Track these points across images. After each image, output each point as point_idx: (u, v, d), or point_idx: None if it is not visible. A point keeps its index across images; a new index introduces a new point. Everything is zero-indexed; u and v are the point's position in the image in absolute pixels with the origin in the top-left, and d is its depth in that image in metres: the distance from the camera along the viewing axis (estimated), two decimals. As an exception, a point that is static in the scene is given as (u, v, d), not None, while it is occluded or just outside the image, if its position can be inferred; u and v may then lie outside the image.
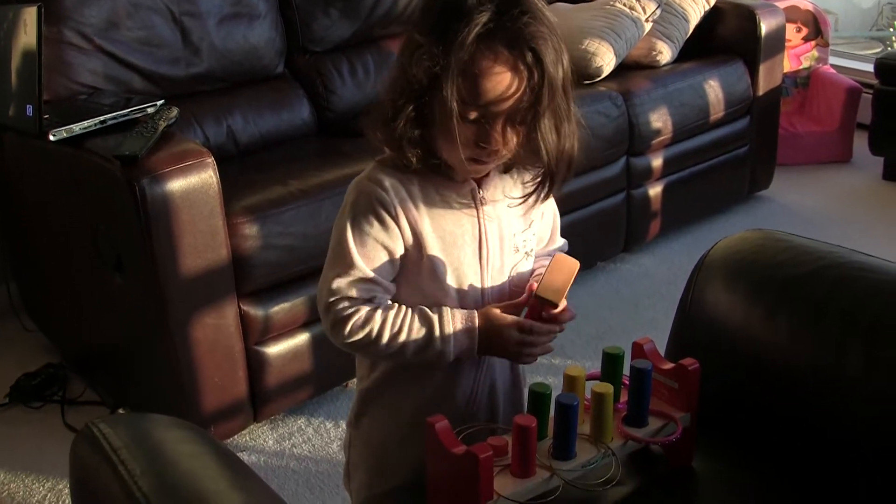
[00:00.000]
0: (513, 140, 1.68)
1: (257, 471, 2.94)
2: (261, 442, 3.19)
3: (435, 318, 1.76)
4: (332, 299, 1.76)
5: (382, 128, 1.71)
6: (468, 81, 1.60)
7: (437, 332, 1.75)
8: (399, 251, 1.76)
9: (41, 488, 3.01)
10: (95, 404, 3.40)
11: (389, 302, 1.79)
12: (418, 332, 1.75)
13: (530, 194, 1.79)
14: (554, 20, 1.67)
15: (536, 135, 1.67)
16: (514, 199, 1.82)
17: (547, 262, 1.81)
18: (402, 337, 1.75)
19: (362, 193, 1.75)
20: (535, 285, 1.78)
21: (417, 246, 1.76)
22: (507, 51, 1.60)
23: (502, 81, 1.61)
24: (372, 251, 1.74)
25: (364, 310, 1.75)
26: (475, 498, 1.53)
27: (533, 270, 1.91)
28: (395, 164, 1.75)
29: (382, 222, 1.73)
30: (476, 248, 1.80)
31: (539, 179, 1.78)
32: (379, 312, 1.75)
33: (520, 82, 1.62)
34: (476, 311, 1.79)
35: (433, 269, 1.77)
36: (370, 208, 1.74)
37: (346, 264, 1.74)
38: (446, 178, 1.77)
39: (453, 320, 1.77)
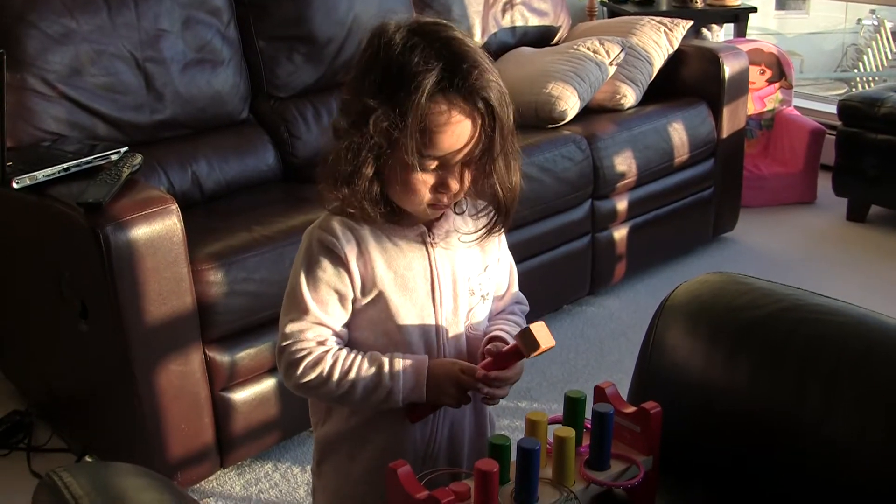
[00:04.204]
0: (468, 179, 1.75)
1: (223, 518, 2.94)
2: (228, 488, 3.18)
3: (385, 358, 1.79)
4: (285, 343, 1.80)
5: (342, 188, 1.73)
6: (427, 136, 1.66)
7: (385, 370, 1.78)
8: (350, 296, 1.79)
9: (5, 538, 3.00)
10: (61, 451, 3.38)
11: (340, 346, 1.82)
12: (367, 370, 1.78)
13: (483, 230, 1.85)
14: (492, 64, 1.73)
15: (492, 175, 1.74)
16: (468, 235, 1.86)
17: (508, 325, 1.92)
18: (352, 375, 1.77)
19: (314, 241, 1.79)
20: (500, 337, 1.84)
21: (371, 290, 1.80)
22: (462, 103, 1.66)
23: (459, 132, 1.68)
24: (325, 296, 1.78)
25: (316, 351, 1.78)
26: (437, 543, 1.53)
27: (494, 336, 1.91)
28: (346, 214, 1.78)
29: (334, 268, 1.77)
30: (429, 289, 1.83)
31: (493, 215, 1.84)
32: (330, 353, 1.78)
33: (474, 129, 1.69)
34: (427, 356, 1.82)
35: (389, 311, 1.81)
36: (322, 255, 1.78)
37: (301, 310, 1.78)
38: (396, 223, 1.81)
39: (403, 359, 1.79)
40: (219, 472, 3.22)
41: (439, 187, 1.73)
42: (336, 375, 1.77)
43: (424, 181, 1.71)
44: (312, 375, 1.77)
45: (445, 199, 1.75)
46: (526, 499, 1.66)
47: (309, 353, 1.78)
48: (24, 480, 3.23)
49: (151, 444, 2.90)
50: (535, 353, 1.73)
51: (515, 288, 2.04)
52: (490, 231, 1.85)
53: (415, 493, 1.55)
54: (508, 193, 1.78)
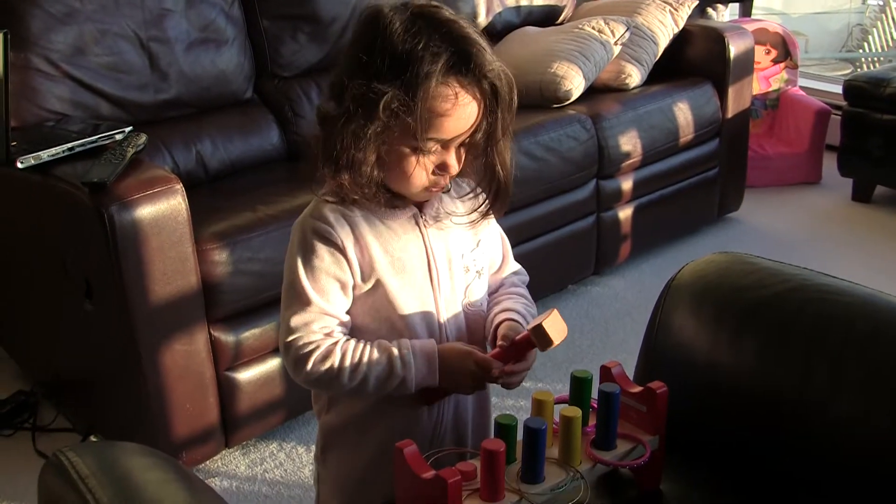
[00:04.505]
0: (463, 158, 1.76)
1: (229, 497, 2.94)
2: (233, 467, 3.18)
3: (393, 345, 1.78)
4: (290, 338, 1.77)
5: (344, 174, 1.70)
6: (434, 119, 1.66)
7: (396, 359, 1.76)
8: (350, 282, 1.78)
9: (11, 517, 3.00)
10: (67, 431, 3.39)
11: (347, 336, 1.80)
12: (378, 361, 1.76)
13: (475, 212, 1.86)
14: (489, 44, 1.73)
15: (493, 156, 1.76)
16: (464, 216, 1.86)
17: (511, 300, 1.91)
18: (363, 367, 1.75)
19: (308, 230, 1.77)
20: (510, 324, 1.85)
21: (370, 274, 1.78)
22: (470, 86, 1.66)
23: (466, 115, 1.68)
24: (325, 285, 1.76)
25: (324, 344, 1.76)
26: (444, 523, 1.53)
27: (502, 320, 1.90)
28: (336, 199, 1.77)
29: (332, 255, 1.75)
30: (426, 270, 1.83)
31: (485, 197, 1.84)
32: (339, 346, 1.76)
33: (479, 112, 1.69)
34: (434, 341, 1.81)
35: (389, 296, 1.80)
36: (318, 243, 1.76)
37: (302, 302, 1.76)
38: (388, 206, 1.79)
39: (412, 346, 1.78)
40: (224, 452, 3.23)
41: (439, 169, 1.73)
42: (347, 369, 1.75)
43: (426, 163, 1.71)
44: (323, 369, 1.76)
45: (443, 181, 1.76)
46: (532, 478, 1.66)
47: (317, 347, 1.76)
48: (30, 460, 3.23)
49: (156, 423, 2.90)
50: (549, 348, 1.74)
51: (511, 258, 2.03)
52: (486, 214, 1.86)
53: (421, 473, 1.55)
54: (508, 173, 1.79)
